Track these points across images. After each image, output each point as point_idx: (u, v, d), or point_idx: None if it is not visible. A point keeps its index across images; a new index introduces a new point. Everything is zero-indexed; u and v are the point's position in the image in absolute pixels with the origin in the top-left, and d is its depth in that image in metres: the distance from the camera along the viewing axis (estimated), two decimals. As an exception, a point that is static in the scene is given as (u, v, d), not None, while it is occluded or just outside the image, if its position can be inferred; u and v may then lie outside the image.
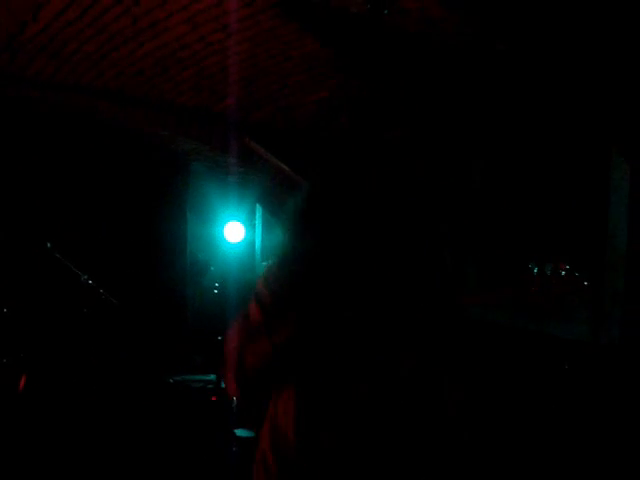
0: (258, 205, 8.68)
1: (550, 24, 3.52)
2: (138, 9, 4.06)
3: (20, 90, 5.50)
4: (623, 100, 3.95)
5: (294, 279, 1.69)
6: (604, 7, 3.33)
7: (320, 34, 4.32)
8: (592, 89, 4.01)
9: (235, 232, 7.57)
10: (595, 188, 4.28)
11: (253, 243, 8.84)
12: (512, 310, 4.66)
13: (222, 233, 7.55)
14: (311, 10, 3.93)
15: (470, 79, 4.43)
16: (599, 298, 4.26)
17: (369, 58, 4.49)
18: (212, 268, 8.07)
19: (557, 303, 4.04)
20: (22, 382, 4.78)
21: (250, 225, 8.38)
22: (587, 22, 3.44)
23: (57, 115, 6.25)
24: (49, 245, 5.15)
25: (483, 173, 5.02)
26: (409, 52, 4.16)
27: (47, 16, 4.19)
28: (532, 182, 4.73)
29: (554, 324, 4.41)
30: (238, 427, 5.50)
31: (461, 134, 4.92)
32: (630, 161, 4.10)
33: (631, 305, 4.06)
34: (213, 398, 5.46)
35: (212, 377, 5.67)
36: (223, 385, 5.67)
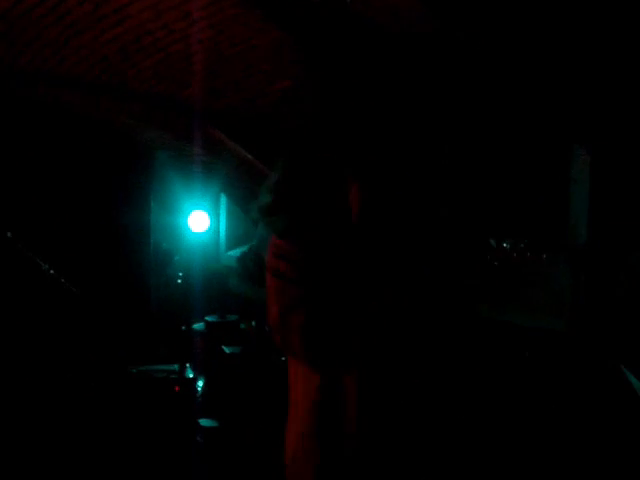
0: (222, 194, 8.66)
1: (510, 13, 3.55)
2: (100, -5, 4.02)
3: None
4: (584, 90, 4.00)
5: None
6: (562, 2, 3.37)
7: (284, 22, 4.30)
8: (554, 79, 4.05)
9: (199, 221, 7.53)
10: (557, 178, 4.33)
11: (217, 232, 8.81)
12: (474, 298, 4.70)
13: (186, 222, 7.51)
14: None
15: (433, 68, 4.45)
16: (560, 287, 4.32)
17: (332, 47, 4.49)
18: (176, 257, 8.03)
19: (516, 275, 4.08)
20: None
21: (214, 214, 8.35)
22: (548, 13, 3.47)
23: (17, 102, 6.17)
24: (9, 235, 5.08)
25: (448, 159, 5.05)
26: (371, 41, 4.16)
27: (6, 3, 4.13)
28: (496, 169, 4.77)
29: (514, 312, 4.46)
30: (202, 417, 5.49)
31: (425, 123, 4.95)
32: (590, 151, 4.16)
33: (591, 294, 4.13)
34: (176, 388, 5.44)
35: (175, 367, 5.64)
36: (188, 375, 5.67)
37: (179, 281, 7.72)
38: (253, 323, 6.51)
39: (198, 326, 6.66)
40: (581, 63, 3.80)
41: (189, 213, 7.51)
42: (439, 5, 3.51)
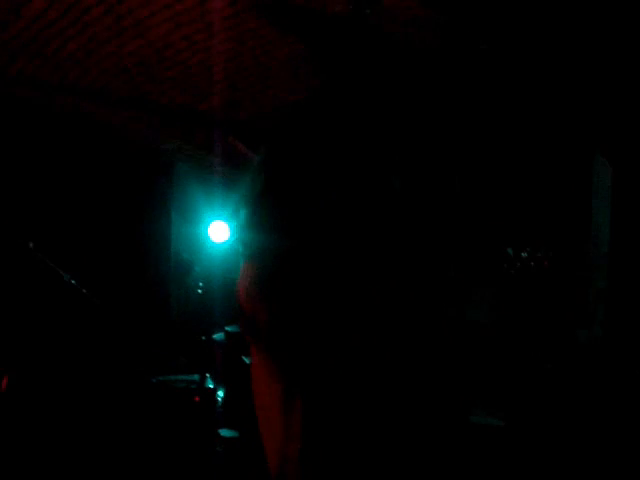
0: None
1: (535, 25, 3.54)
2: (121, 8, 4.05)
3: (2, 88, 5.47)
4: (606, 103, 3.98)
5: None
6: (589, 12, 3.35)
7: (303, 34, 4.32)
8: (577, 91, 4.03)
9: (220, 231, 7.54)
10: (579, 188, 4.30)
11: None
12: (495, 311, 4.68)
13: (207, 232, 7.52)
14: (294, 10, 3.94)
15: (454, 78, 4.45)
16: (582, 297, 4.28)
17: (352, 58, 4.49)
18: (196, 268, 8.05)
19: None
20: (4, 383, 4.75)
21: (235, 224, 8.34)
22: (572, 26, 3.46)
23: (40, 114, 6.22)
24: (31, 245, 5.11)
25: (468, 171, 5.04)
26: (391, 52, 4.17)
27: (29, 14, 4.18)
28: (518, 179, 4.75)
29: (536, 324, 4.43)
30: (222, 427, 5.48)
31: (445, 133, 4.92)
32: (613, 162, 4.13)
33: (613, 304, 4.09)
34: (196, 398, 5.44)
35: (195, 377, 5.65)
36: (208, 385, 5.67)
37: (199, 291, 7.73)
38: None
39: (218, 336, 6.66)
40: (605, 76, 3.78)
41: (209, 223, 7.52)
42: (462, 18, 3.50)
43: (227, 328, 6.63)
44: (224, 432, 5.42)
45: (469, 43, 3.85)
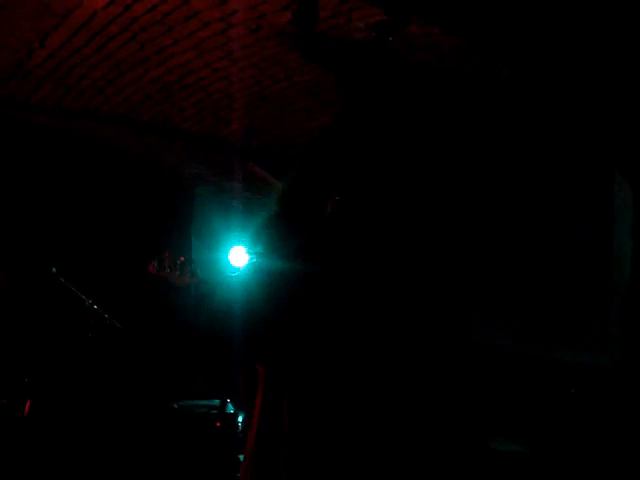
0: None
1: (555, 49, 3.55)
2: (145, 35, 4.11)
3: (26, 115, 5.54)
4: (626, 124, 3.97)
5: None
6: (606, 32, 3.36)
7: (323, 61, 4.36)
8: (596, 112, 4.04)
9: (239, 257, 7.57)
10: (600, 211, 4.29)
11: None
12: (515, 334, 4.65)
13: (227, 258, 7.55)
14: (315, 38, 3.98)
15: (473, 102, 4.47)
16: (604, 323, 4.25)
17: (371, 83, 4.52)
18: (217, 292, 8.04)
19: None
20: (27, 407, 4.77)
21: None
22: (590, 47, 3.47)
23: (63, 140, 6.29)
24: (54, 269, 5.15)
25: (485, 192, 5.04)
26: (412, 78, 4.20)
27: (54, 43, 4.24)
28: (534, 202, 4.75)
29: (558, 348, 4.40)
30: (243, 453, 5.46)
31: (463, 156, 4.95)
32: (633, 184, 4.11)
33: (634, 329, 4.06)
34: (217, 424, 5.43)
35: (216, 402, 5.64)
36: (229, 410, 5.65)
37: (219, 316, 7.71)
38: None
39: (238, 362, 6.64)
40: (627, 98, 3.79)
41: (229, 248, 7.56)
42: (483, 42, 3.53)
43: (248, 353, 6.61)
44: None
45: (489, 68, 3.87)
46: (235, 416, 5.78)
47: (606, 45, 3.45)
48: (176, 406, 5.46)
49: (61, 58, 4.46)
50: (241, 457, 5.38)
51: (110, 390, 5.51)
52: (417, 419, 1.77)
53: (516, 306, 4.70)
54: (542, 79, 3.89)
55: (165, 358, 6.56)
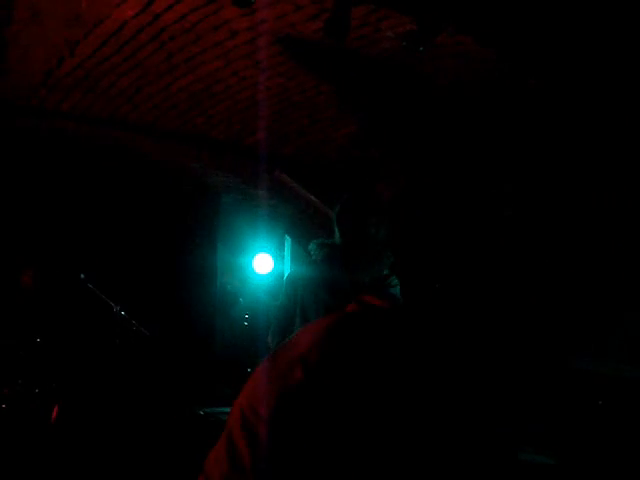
0: (287, 236, 8.71)
1: (585, 58, 3.54)
2: (173, 44, 4.14)
3: (55, 124, 5.60)
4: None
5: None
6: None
7: (351, 69, 4.36)
8: (627, 121, 4.01)
9: (264, 263, 7.60)
10: (633, 223, 4.26)
11: (282, 274, 8.85)
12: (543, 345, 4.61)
13: (251, 264, 7.58)
14: (342, 48, 3.98)
15: (500, 112, 4.45)
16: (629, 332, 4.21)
17: (399, 93, 4.53)
18: (241, 299, 8.08)
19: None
20: (55, 412, 4.80)
21: (279, 257, 8.40)
22: (623, 60, 3.45)
23: (91, 148, 6.34)
24: (82, 276, 5.20)
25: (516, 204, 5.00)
26: (440, 88, 4.19)
27: (84, 52, 4.29)
28: (574, 214, 4.71)
29: (587, 359, 4.36)
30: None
31: (491, 169, 4.92)
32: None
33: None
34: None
35: (241, 409, 5.64)
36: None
37: (245, 323, 7.75)
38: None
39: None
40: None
41: (254, 255, 7.58)
42: (516, 52, 3.51)
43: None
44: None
45: (518, 77, 3.86)
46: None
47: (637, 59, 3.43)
48: (202, 412, 5.48)
49: (91, 67, 4.50)
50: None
51: (136, 396, 5.53)
52: (446, 427, 1.74)
53: (543, 316, 4.67)
54: (574, 89, 3.87)
55: (191, 365, 6.59)
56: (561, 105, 4.17)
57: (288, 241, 8.81)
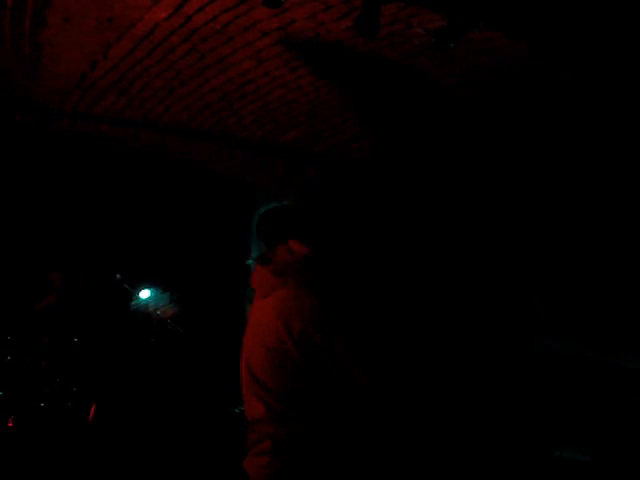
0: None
1: (616, 53, 3.50)
2: (205, 46, 4.17)
3: (89, 126, 5.66)
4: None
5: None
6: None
7: (383, 67, 4.35)
8: None
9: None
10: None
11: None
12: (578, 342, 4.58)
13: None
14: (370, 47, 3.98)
15: (534, 104, 4.42)
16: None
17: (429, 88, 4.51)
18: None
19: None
20: (92, 411, 4.86)
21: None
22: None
23: (126, 149, 6.39)
24: (118, 276, 5.26)
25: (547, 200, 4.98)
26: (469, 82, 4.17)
27: (117, 54, 4.34)
28: (600, 211, 4.67)
29: (622, 355, 4.32)
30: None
31: (522, 162, 4.90)
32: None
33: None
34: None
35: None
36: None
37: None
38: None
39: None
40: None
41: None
42: (544, 46, 3.47)
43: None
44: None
45: (550, 71, 3.82)
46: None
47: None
48: (237, 411, 5.51)
49: (124, 69, 4.55)
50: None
51: (172, 395, 5.58)
52: (480, 426, 1.77)
53: (580, 312, 4.63)
54: (606, 84, 3.82)
55: (225, 364, 6.62)
56: (590, 99, 4.13)
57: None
